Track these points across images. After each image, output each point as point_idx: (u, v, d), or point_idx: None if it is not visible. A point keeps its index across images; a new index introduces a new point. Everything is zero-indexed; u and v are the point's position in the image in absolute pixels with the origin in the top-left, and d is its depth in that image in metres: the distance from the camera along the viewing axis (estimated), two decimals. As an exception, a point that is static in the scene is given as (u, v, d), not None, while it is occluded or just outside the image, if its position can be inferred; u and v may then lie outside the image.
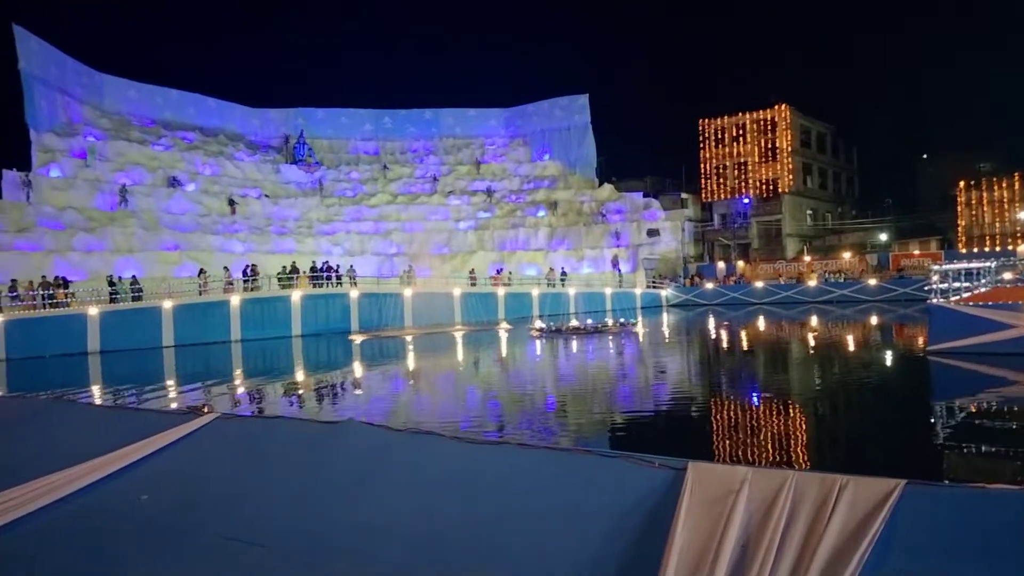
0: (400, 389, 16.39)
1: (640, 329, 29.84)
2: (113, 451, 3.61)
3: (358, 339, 29.19)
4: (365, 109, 60.61)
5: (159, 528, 3.21)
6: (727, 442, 9.81)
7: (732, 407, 12.82)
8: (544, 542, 2.60)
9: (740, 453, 8.96)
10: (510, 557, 2.60)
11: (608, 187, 57.15)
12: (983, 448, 8.88)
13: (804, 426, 10.98)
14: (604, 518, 2.55)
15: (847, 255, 49.51)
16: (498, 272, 46.25)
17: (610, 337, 26.48)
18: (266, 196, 49.82)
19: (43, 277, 29.68)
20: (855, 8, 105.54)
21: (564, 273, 47.31)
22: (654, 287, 48.80)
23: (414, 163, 59.12)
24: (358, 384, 17.26)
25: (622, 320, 31.46)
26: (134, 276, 33.26)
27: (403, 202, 54.81)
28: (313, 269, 37.42)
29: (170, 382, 18.96)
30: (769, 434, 10.35)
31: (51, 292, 28.23)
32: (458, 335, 30.36)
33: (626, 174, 62.27)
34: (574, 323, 30.23)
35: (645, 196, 56.27)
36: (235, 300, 31.08)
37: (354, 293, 34.96)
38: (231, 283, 33.80)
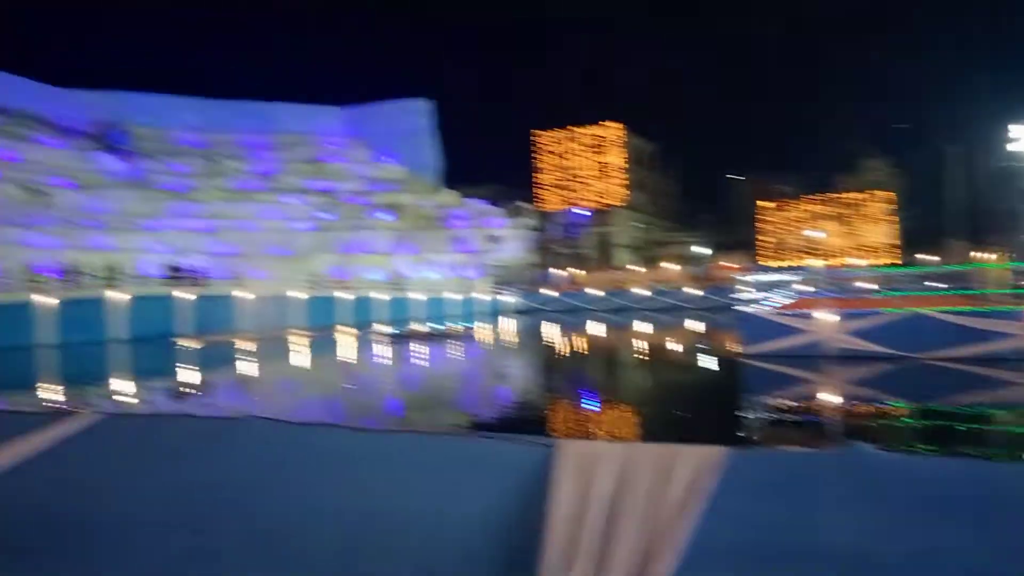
0: (260, 393, 15.83)
1: (482, 334, 30.64)
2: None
3: (188, 344, 27.52)
4: (190, 97, 56.93)
5: (45, 535, 3.16)
6: (589, 426, 10.63)
7: (580, 398, 13.78)
8: (438, 519, 2.96)
9: (593, 436, 9.93)
10: (411, 537, 2.90)
11: (451, 193, 57.93)
12: (792, 426, 10.34)
13: (638, 416, 12.07)
14: (490, 493, 2.97)
15: (671, 266, 53.70)
16: (337, 275, 45.37)
17: (453, 341, 26.99)
18: (77, 186, 45.40)
19: None
20: (685, 39, 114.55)
21: (405, 277, 47.47)
22: (496, 293, 50.09)
23: (246, 158, 56.40)
24: (213, 390, 16.43)
25: (465, 325, 32.15)
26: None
27: (235, 199, 52.10)
28: (176, 269, 35.42)
29: (11, 388, 16.96)
30: (611, 420, 11.29)
31: None
32: (298, 339, 29.52)
33: (469, 181, 63.56)
34: (417, 327, 30.48)
35: (487, 203, 57.65)
36: (45, 300, 28.14)
37: (183, 295, 32.88)
38: (40, 281, 30.55)
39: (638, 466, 3.01)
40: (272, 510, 3.04)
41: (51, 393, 16.06)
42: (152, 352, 25.75)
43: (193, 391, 16.36)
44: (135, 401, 14.87)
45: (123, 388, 17.19)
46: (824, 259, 56.77)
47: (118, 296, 30.40)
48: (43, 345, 27.02)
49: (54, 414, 3.81)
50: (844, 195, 64.02)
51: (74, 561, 2.82)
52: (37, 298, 28.11)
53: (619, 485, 2.97)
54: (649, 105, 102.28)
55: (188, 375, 19.57)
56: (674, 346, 26.27)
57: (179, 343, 27.85)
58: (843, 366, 16.29)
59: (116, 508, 3.03)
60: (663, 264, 55.27)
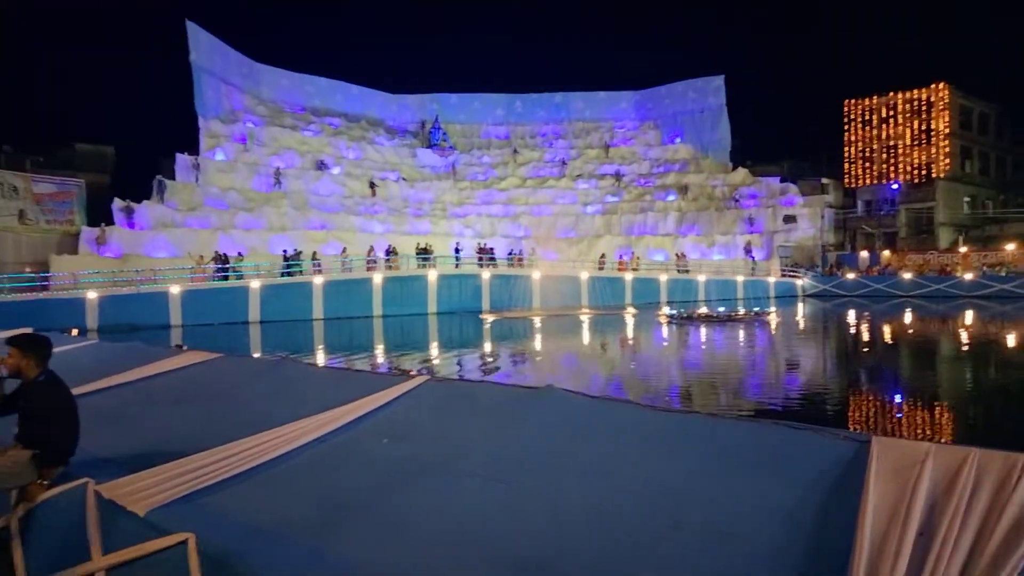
0: (558, 365, 16.97)
1: (775, 319, 28.91)
2: (345, 404, 4.29)
3: (490, 318, 30.18)
4: (497, 94, 61.75)
5: (392, 473, 3.73)
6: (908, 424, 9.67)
7: (897, 393, 12.46)
8: (740, 507, 2.90)
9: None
10: (706, 521, 2.87)
11: (742, 171, 55.28)
12: None
13: (968, 418, 10.54)
14: (795, 485, 2.85)
15: (1011, 246, 45.41)
16: (623, 257, 46.01)
17: (742, 326, 25.93)
18: (403, 179, 52.09)
19: (215, 252, 32.81)
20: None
21: (690, 258, 46.58)
22: (789, 276, 46.94)
23: (543, 147, 59.70)
24: (518, 357, 18.03)
25: (756, 309, 30.66)
26: (299, 251, 35.33)
27: (532, 186, 55.56)
28: (481, 250, 40.14)
29: (356, 350, 20.78)
30: (936, 420, 10.05)
31: (224, 266, 31.22)
32: (585, 318, 30.72)
33: (762, 158, 59.89)
34: (704, 310, 29.80)
35: (782, 181, 53.98)
36: (378, 278, 32.97)
37: (486, 274, 36.08)
38: (374, 262, 35.77)
39: (970, 473, 2.68)
40: (567, 474, 3.28)
41: (390, 357, 18.87)
42: (461, 324, 28.76)
43: (499, 360, 17.96)
44: (452, 367, 16.80)
45: (442, 355, 19.48)
46: None
47: (431, 275, 34.38)
48: (375, 316, 31.74)
49: (391, 376, 4.56)
50: None
51: (402, 492, 3.31)
52: (375, 276, 33.05)
53: (945, 491, 2.67)
54: (983, 58, 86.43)
55: (495, 346, 21.51)
56: (1015, 340, 22.32)
57: (483, 317, 30.69)
58: None
59: (437, 454, 3.53)
60: (1000, 244, 46.98)
